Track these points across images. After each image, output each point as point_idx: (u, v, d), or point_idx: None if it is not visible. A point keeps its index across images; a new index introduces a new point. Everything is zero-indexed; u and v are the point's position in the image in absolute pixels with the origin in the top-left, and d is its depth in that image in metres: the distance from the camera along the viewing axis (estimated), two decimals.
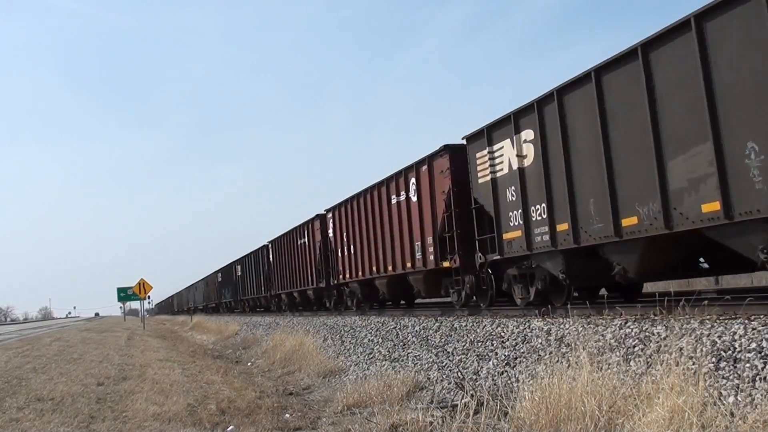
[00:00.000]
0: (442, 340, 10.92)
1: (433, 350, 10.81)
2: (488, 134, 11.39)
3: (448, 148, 12.81)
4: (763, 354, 5.56)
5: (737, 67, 6.79)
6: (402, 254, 14.84)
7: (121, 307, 69.81)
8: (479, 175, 11.73)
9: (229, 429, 8.24)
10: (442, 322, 11.72)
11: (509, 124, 10.72)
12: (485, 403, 6.55)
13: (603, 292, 11.60)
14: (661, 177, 7.76)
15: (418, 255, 13.99)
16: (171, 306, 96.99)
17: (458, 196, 12.46)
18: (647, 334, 6.89)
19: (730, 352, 5.83)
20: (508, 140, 10.84)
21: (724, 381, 5.59)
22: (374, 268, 16.54)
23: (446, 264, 12.89)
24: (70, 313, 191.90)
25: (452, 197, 12.57)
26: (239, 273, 38.43)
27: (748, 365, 5.55)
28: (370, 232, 16.78)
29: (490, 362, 9.01)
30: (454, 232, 12.48)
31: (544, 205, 9.94)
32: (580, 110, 9.13)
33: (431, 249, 13.37)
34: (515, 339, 9.06)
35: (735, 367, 5.65)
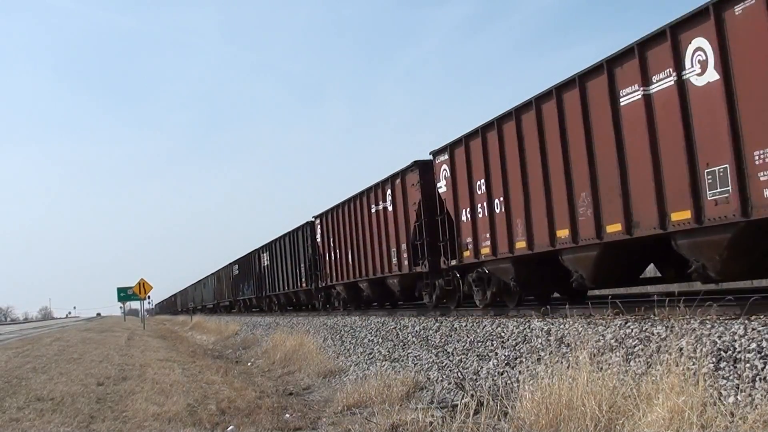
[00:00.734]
0: (442, 340, 10.92)
1: (433, 350, 10.81)
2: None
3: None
4: (763, 354, 5.56)
5: None
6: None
7: (121, 307, 69.86)
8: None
9: (229, 429, 8.24)
10: (442, 323, 11.72)
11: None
12: (485, 403, 6.55)
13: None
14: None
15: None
16: (174, 305, 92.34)
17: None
18: (647, 334, 6.90)
19: (730, 352, 5.83)
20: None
21: (724, 381, 5.59)
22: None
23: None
24: (70, 313, 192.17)
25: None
26: (265, 262, 30.48)
27: (748, 365, 5.55)
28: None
29: (490, 362, 9.01)
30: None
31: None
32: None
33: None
34: (515, 339, 9.07)
35: (735, 367, 5.66)
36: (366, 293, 18.34)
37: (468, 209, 11.98)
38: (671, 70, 7.48)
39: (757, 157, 6.59)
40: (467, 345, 10.05)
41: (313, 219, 22.27)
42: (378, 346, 13.03)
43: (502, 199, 10.86)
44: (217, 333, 31.93)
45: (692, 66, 7.25)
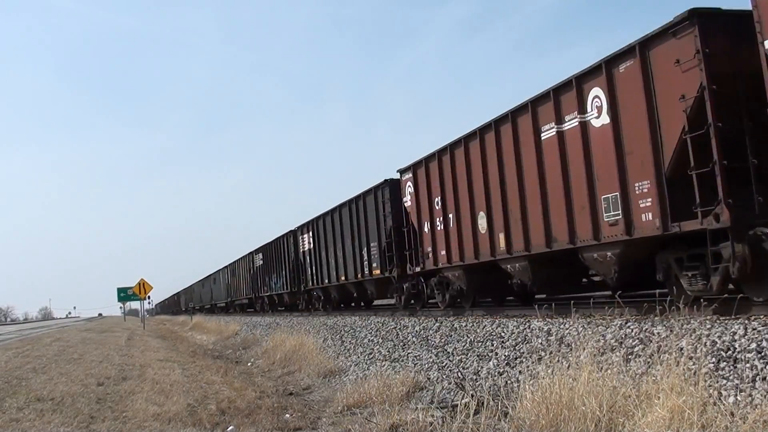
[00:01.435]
0: (442, 341, 10.92)
1: (433, 350, 10.81)
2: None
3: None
4: (763, 354, 5.56)
5: None
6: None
7: (121, 308, 69.87)
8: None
9: (229, 429, 8.24)
10: (442, 323, 11.73)
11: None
12: (485, 404, 6.55)
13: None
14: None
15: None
16: (176, 304, 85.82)
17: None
18: (647, 334, 6.89)
19: (730, 352, 5.83)
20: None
21: (724, 381, 5.60)
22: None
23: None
24: (70, 313, 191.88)
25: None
26: (306, 246, 23.44)
27: (748, 365, 5.56)
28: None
29: (490, 362, 9.01)
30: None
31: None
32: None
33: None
34: (515, 339, 9.07)
35: (735, 367, 5.66)
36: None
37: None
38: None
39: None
40: (467, 345, 10.05)
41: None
42: (378, 346, 13.03)
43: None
44: (217, 333, 31.92)
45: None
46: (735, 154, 7.08)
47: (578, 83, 8.97)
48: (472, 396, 7.10)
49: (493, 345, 9.41)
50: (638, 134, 8.02)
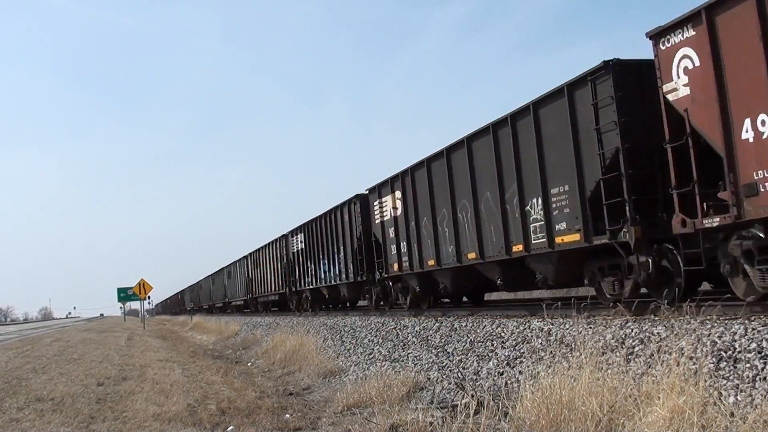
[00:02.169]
0: (442, 341, 10.92)
1: (433, 350, 10.81)
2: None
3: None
4: (763, 354, 5.56)
5: None
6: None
7: (121, 308, 69.84)
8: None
9: (229, 429, 8.24)
10: (442, 323, 11.72)
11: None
12: (485, 404, 6.54)
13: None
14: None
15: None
16: (180, 303, 79.63)
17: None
18: (647, 334, 6.89)
19: (730, 352, 5.83)
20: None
21: (724, 381, 5.59)
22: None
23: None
24: (70, 313, 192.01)
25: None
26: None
27: (748, 365, 5.55)
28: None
29: (490, 362, 9.01)
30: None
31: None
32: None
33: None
34: (515, 339, 9.06)
35: (735, 367, 5.65)
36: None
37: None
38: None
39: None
40: (467, 345, 10.05)
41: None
42: (378, 346, 13.03)
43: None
44: (217, 333, 31.92)
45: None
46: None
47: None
48: (472, 396, 7.10)
49: (493, 345, 9.41)
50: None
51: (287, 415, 9.15)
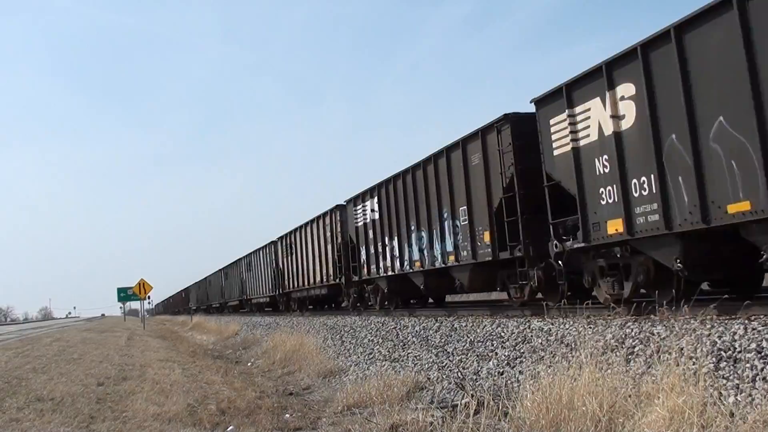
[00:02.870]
0: (442, 340, 10.92)
1: (433, 350, 10.81)
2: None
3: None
4: (763, 354, 5.57)
5: None
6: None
7: (121, 308, 69.87)
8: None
9: (229, 429, 8.24)
10: (442, 323, 11.73)
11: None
12: (485, 404, 6.54)
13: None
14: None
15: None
16: (184, 302, 73.12)
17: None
18: (647, 334, 6.90)
19: (730, 352, 5.83)
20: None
21: (724, 381, 5.59)
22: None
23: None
24: (70, 313, 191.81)
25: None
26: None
27: (748, 365, 5.56)
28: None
29: (491, 362, 9.01)
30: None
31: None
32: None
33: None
34: (515, 339, 9.07)
35: (735, 367, 5.66)
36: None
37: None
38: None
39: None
40: (467, 345, 10.05)
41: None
42: (378, 346, 13.03)
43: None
44: (217, 333, 31.93)
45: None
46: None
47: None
48: (472, 396, 7.10)
49: (493, 345, 9.41)
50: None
51: (287, 415, 9.15)
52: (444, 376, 9.61)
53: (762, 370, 5.43)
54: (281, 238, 28.17)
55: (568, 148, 9.37)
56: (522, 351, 8.65)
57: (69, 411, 9.16)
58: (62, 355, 18.03)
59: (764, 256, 6.81)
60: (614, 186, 8.53)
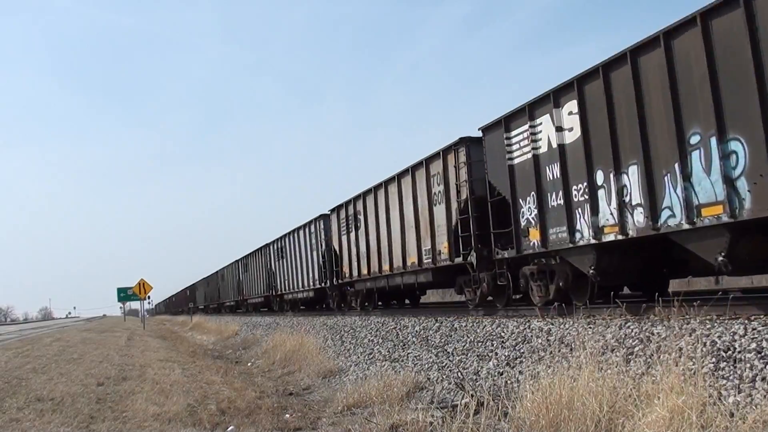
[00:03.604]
0: (442, 341, 10.92)
1: (433, 350, 10.81)
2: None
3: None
4: (763, 354, 5.56)
5: None
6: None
7: (121, 308, 69.84)
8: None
9: (229, 429, 8.24)
10: (442, 323, 11.73)
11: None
12: (485, 404, 6.54)
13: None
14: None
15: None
16: (189, 300, 65.92)
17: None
18: (647, 334, 6.89)
19: (730, 352, 5.83)
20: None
21: (724, 381, 5.59)
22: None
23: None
24: (70, 313, 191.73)
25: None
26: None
27: (747, 365, 5.55)
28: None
29: (490, 362, 9.01)
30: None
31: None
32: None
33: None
34: (515, 339, 9.07)
35: (735, 367, 5.65)
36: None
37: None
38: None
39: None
40: (467, 345, 10.05)
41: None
42: (378, 346, 13.03)
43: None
44: (216, 333, 31.93)
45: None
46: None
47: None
48: (472, 396, 7.10)
49: (493, 345, 9.41)
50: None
51: (287, 415, 9.15)
52: (444, 376, 9.60)
53: (762, 370, 5.43)
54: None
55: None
56: (522, 351, 8.65)
57: (69, 411, 9.16)
58: (62, 355, 18.03)
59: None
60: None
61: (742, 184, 6.82)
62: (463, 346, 10.12)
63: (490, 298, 12.41)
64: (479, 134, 12.01)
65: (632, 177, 8.34)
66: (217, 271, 49.48)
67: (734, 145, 6.90)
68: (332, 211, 20.80)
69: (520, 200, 10.73)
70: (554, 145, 9.77)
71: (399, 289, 16.90)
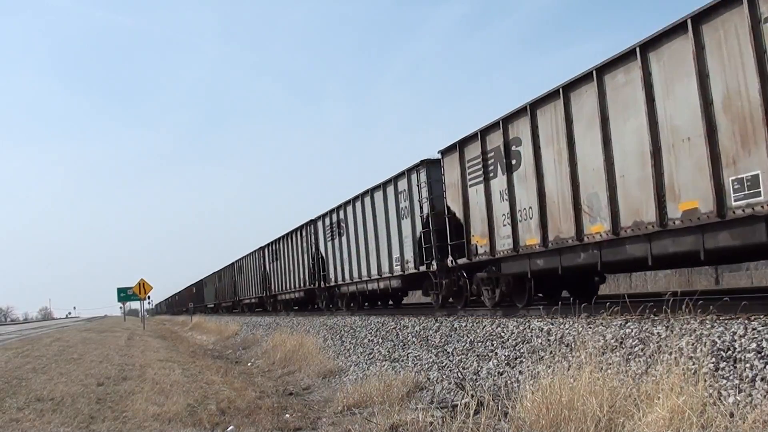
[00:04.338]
0: (442, 341, 10.92)
1: (433, 350, 10.81)
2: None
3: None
4: (763, 354, 5.56)
5: None
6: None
7: (121, 308, 69.83)
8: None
9: (229, 429, 8.24)
10: (442, 323, 11.73)
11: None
12: (485, 404, 6.55)
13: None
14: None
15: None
16: (193, 299, 62.28)
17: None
18: (647, 334, 6.89)
19: (729, 352, 5.83)
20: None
21: (724, 381, 5.59)
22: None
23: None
24: (70, 313, 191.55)
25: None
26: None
27: (747, 365, 5.55)
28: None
29: (491, 362, 9.01)
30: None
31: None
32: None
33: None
34: (515, 339, 9.07)
35: (735, 367, 5.65)
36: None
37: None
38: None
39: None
40: (467, 345, 10.05)
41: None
42: (378, 346, 13.03)
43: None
44: (216, 333, 31.93)
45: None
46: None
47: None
48: (472, 396, 7.10)
49: (493, 345, 9.41)
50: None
51: (287, 415, 9.15)
52: (444, 376, 9.61)
53: (762, 370, 5.43)
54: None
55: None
56: (522, 351, 8.65)
57: (69, 411, 9.16)
58: (62, 355, 18.02)
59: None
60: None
61: None
62: (463, 346, 10.12)
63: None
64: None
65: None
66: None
67: None
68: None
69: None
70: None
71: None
